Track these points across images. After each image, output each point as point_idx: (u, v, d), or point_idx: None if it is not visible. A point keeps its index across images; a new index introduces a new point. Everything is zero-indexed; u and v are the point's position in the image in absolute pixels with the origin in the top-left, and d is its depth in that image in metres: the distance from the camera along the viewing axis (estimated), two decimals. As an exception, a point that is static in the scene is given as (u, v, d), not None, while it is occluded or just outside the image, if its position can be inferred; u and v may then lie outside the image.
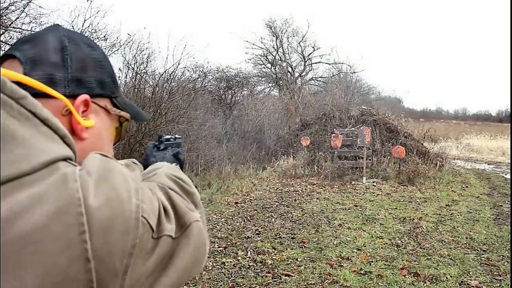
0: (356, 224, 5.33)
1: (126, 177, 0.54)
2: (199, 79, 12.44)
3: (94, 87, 0.65)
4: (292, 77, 20.49)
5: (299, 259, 4.03)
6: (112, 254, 0.49)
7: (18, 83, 0.53)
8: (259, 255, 4.13)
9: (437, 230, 5.18)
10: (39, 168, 0.47)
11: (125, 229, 0.50)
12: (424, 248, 4.46)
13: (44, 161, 0.48)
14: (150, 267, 0.55)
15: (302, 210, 6.08)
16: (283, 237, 4.76)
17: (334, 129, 9.85)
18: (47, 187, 0.47)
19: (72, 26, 6.74)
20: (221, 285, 3.44)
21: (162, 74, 8.38)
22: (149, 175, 0.73)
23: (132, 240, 0.51)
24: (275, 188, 7.78)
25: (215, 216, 5.58)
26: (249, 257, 4.08)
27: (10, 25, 6.04)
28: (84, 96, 0.63)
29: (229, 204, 6.32)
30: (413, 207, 6.46)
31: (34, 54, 0.61)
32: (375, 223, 5.44)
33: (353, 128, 10.08)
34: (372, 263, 3.97)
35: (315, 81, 21.89)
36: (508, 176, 10.89)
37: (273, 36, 21.45)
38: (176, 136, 1.08)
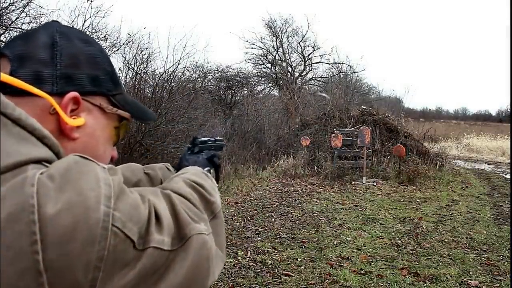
0: (356, 224, 5.33)
1: (99, 182, 0.49)
2: (199, 79, 12.44)
3: (86, 84, 0.62)
4: (292, 77, 20.48)
5: (299, 259, 4.03)
6: (71, 267, 0.44)
7: (1, 82, 0.52)
8: (259, 255, 4.13)
9: (437, 230, 5.18)
10: (1, 172, 0.44)
11: (89, 239, 0.45)
12: (424, 248, 4.46)
13: (8, 164, 0.45)
14: (131, 281, 0.49)
15: (302, 210, 6.07)
16: (283, 237, 4.76)
17: (334, 129, 9.84)
18: (4, 193, 0.44)
19: (72, 26, 6.74)
20: (221, 285, 3.44)
21: (162, 74, 8.38)
22: (168, 181, 0.69)
23: (98, 252, 0.46)
24: (275, 188, 7.78)
25: (215, 216, 5.58)
26: (249, 257, 4.08)
27: (10, 25, 6.04)
28: (73, 94, 0.60)
29: (229, 204, 6.32)
30: (413, 207, 6.46)
31: (22, 51, 0.59)
32: (375, 223, 5.44)
33: (353, 128, 10.08)
34: (372, 263, 3.97)
35: (315, 81, 21.90)
36: (508, 176, 10.89)
37: (273, 36, 21.47)
38: (217, 138, 1.01)
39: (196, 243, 0.57)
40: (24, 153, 0.47)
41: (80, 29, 6.70)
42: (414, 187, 8.09)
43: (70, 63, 0.61)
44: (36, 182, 0.45)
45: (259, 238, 4.71)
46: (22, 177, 0.45)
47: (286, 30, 21.53)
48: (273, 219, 5.56)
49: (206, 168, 0.86)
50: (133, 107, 0.71)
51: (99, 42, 7.07)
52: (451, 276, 3.69)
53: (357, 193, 7.48)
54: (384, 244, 4.58)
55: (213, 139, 0.98)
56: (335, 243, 4.56)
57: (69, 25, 0.80)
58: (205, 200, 0.64)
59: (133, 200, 0.52)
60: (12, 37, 0.66)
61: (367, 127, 9.15)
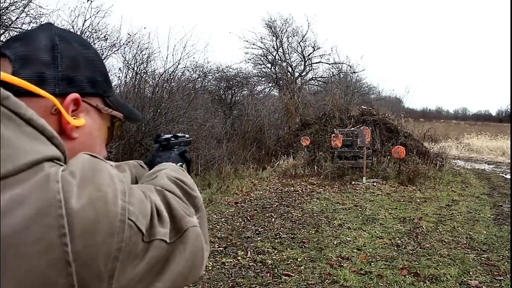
0: (356, 224, 5.33)
1: (113, 178, 0.53)
2: (199, 79, 12.43)
3: (85, 86, 0.65)
4: (292, 77, 20.46)
5: (299, 259, 4.03)
6: (95, 257, 0.48)
7: (5, 82, 0.53)
8: (259, 255, 4.13)
9: (437, 230, 5.18)
10: (23, 169, 0.46)
11: (110, 231, 0.49)
12: (424, 248, 4.46)
13: (28, 161, 0.47)
14: (141, 271, 0.53)
15: (302, 210, 6.07)
16: (283, 237, 4.76)
17: (334, 129, 9.84)
18: (29, 188, 0.46)
19: (72, 26, 6.74)
20: (221, 285, 3.44)
21: (162, 74, 8.38)
22: (152, 177, 0.72)
23: (117, 243, 0.49)
24: (275, 188, 7.78)
25: (215, 216, 5.58)
26: (249, 257, 4.08)
27: (10, 25, 6.03)
28: (74, 95, 0.62)
29: (229, 204, 6.33)
30: (413, 207, 6.46)
31: (24, 52, 0.61)
32: (375, 223, 5.44)
33: (353, 128, 10.08)
34: (372, 263, 3.97)
35: (315, 81, 21.89)
36: (508, 176, 10.89)
37: (273, 36, 21.47)
38: (186, 135, 1.05)
39: (192, 235, 0.62)
40: (39, 152, 0.49)
41: (80, 29, 6.70)
42: (414, 187, 8.09)
43: (71, 65, 0.63)
44: (60, 178, 0.48)
45: (259, 238, 4.71)
46: (44, 174, 0.48)
47: (286, 30, 21.55)
48: (273, 219, 5.56)
49: (179, 164, 0.89)
50: (123, 107, 0.74)
51: (99, 42, 7.10)
52: (451, 276, 3.69)
53: (357, 193, 7.48)
54: (384, 244, 4.58)
55: (183, 135, 1.03)
56: (335, 243, 4.56)
57: (65, 28, 0.82)
58: (188, 195, 0.68)
59: (140, 195, 0.56)
60: (8, 38, 0.66)
61: (367, 127, 9.14)
